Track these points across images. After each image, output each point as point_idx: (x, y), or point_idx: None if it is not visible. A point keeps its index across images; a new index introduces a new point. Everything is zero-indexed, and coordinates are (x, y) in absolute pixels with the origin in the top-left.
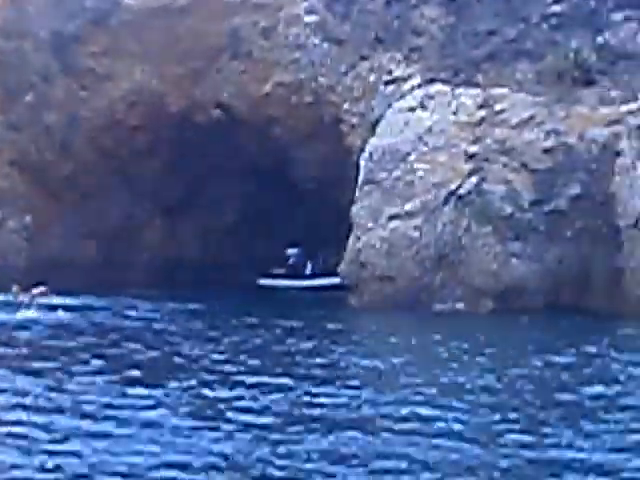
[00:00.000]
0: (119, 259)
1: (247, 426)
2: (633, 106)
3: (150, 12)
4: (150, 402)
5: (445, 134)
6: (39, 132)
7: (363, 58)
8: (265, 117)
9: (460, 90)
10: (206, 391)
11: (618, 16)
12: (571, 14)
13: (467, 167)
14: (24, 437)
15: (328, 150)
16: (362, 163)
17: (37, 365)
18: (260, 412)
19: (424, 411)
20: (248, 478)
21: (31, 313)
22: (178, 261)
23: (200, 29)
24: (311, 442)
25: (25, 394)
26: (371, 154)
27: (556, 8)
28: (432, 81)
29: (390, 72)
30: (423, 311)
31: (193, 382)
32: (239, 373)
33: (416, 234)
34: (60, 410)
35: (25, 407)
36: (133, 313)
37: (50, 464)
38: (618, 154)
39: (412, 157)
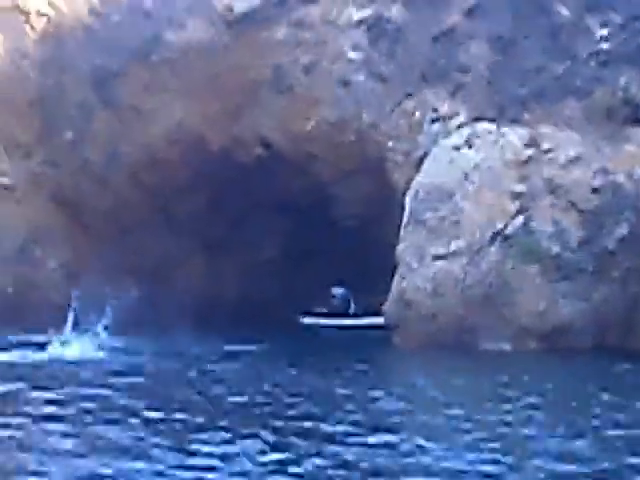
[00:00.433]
0: (158, 296)
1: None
2: None
3: (191, 48)
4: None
5: (491, 173)
6: (78, 168)
7: (408, 95)
8: (307, 154)
9: (506, 128)
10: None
11: None
12: (619, 51)
13: (514, 206)
14: None
15: (371, 188)
16: (407, 201)
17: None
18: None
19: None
20: None
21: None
22: (218, 299)
23: (241, 65)
24: None
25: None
26: (416, 192)
27: (604, 45)
28: (478, 119)
29: (436, 110)
30: (468, 351)
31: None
32: (292, 418)
33: (461, 274)
34: None
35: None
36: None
37: None
38: None
39: (458, 196)
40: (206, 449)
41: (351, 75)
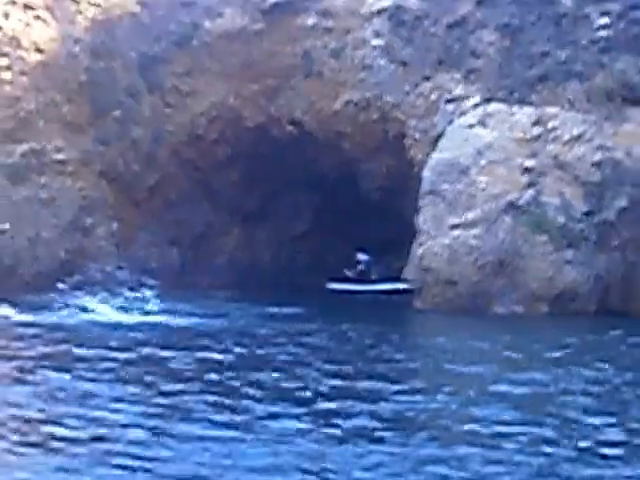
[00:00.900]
0: (198, 265)
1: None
2: None
3: (228, 35)
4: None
5: (503, 149)
6: (126, 146)
7: (426, 78)
8: (334, 132)
9: (515, 108)
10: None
11: None
12: (617, 38)
13: (524, 180)
14: None
15: (393, 163)
16: (425, 175)
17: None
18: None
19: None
20: None
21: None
22: (253, 266)
23: (274, 50)
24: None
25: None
26: (433, 167)
27: (603, 33)
28: (490, 100)
29: (450, 91)
30: (482, 314)
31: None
32: (325, 375)
33: (476, 242)
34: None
35: None
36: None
37: None
38: None
39: (472, 170)
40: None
41: (373, 60)
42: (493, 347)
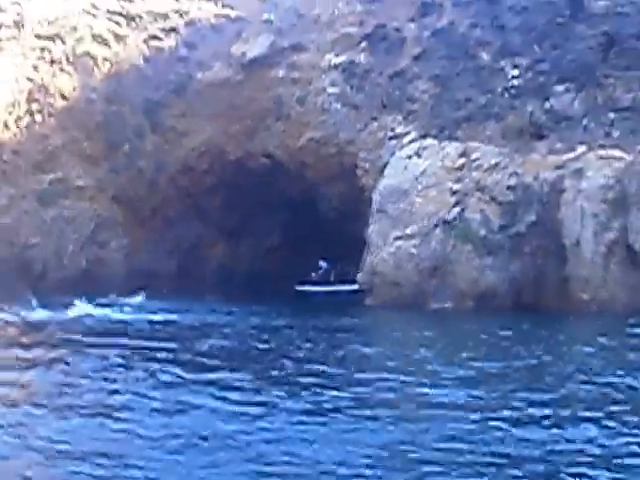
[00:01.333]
0: (191, 271)
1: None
2: (572, 155)
3: (215, 84)
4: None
5: (435, 176)
6: (133, 175)
7: (373, 119)
8: (300, 163)
9: (445, 143)
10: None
11: (560, 88)
12: (526, 86)
13: (452, 200)
14: None
15: (347, 188)
16: (374, 197)
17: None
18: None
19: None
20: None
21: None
22: (236, 272)
23: (252, 97)
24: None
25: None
26: (380, 191)
27: (514, 82)
28: (424, 136)
29: (393, 130)
30: (421, 309)
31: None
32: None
33: (415, 251)
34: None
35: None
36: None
37: None
38: (562, 191)
39: (411, 193)
40: None
41: (330, 105)
42: (431, 335)
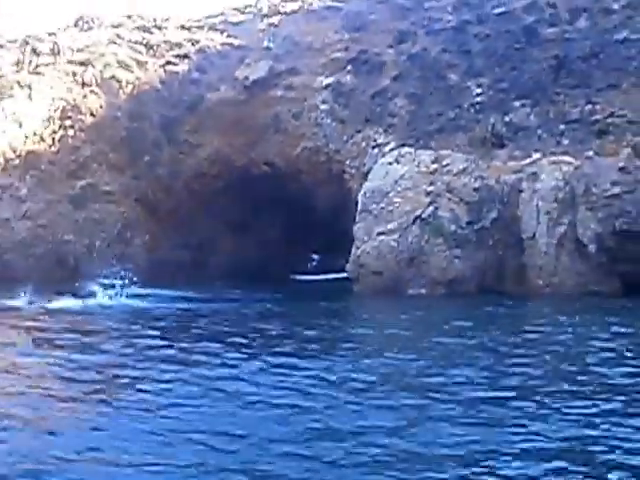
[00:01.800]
0: (203, 262)
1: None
2: (528, 161)
3: (223, 103)
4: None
5: (411, 179)
6: (153, 181)
7: (358, 131)
8: (296, 169)
9: (420, 151)
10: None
11: (518, 103)
12: (488, 102)
13: (426, 200)
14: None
15: (336, 190)
16: (359, 199)
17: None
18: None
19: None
20: None
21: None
22: (241, 263)
23: (254, 114)
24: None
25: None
26: (364, 193)
27: (479, 98)
28: (402, 145)
29: (375, 140)
30: (400, 295)
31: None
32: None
33: (395, 244)
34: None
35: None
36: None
37: None
38: (520, 192)
39: (391, 194)
40: None
41: (322, 119)
42: (410, 317)
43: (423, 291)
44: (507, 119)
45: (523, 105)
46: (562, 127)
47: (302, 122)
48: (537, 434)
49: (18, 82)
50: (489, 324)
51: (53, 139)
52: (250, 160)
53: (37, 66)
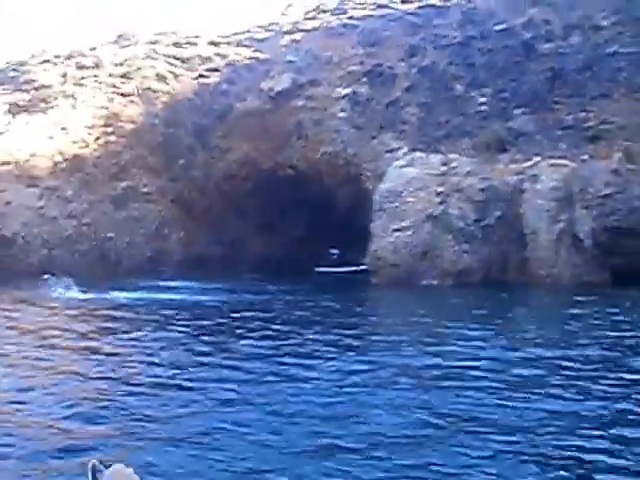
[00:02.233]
0: (234, 257)
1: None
2: (529, 164)
3: (250, 111)
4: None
5: (423, 181)
6: (188, 182)
7: (373, 137)
8: (318, 172)
9: (431, 155)
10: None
11: (518, 111)
12: (492, 110)
13: (437, 200)
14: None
15: (355, 191)
16: (375, 198)
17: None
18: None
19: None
20: None
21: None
22: (269, 258)
23: (279, 122)
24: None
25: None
26: (380, 193)
27: (482, 107)
28: (414, 150)
29: (389, 145)
30: (414, 285)
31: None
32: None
33: (409, 239)
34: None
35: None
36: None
37: None
38: (522, 191)
39: (405, 194)
40: None
41: (340, 126)
42: (426, 305)
43: (435, 282)
44: (509, 126)
45: (523, 113)
46: (559, 133)
47: (322, 129)
48: None
49: (63, 92)
50: (495, 312)
51: (96, 144)
52: (276, 163)
53: (81, 78)
